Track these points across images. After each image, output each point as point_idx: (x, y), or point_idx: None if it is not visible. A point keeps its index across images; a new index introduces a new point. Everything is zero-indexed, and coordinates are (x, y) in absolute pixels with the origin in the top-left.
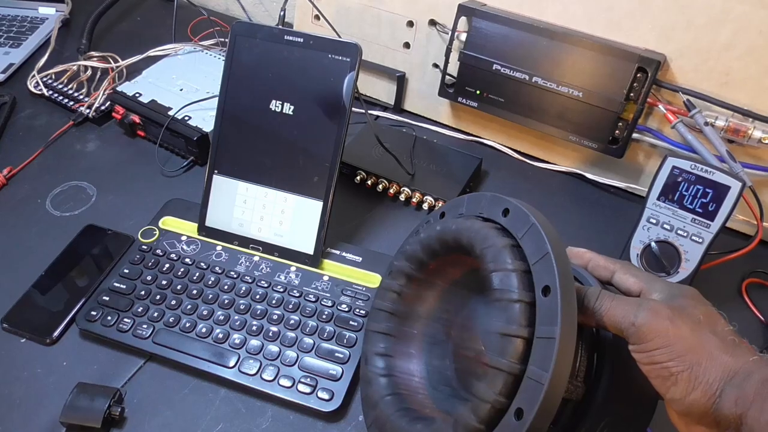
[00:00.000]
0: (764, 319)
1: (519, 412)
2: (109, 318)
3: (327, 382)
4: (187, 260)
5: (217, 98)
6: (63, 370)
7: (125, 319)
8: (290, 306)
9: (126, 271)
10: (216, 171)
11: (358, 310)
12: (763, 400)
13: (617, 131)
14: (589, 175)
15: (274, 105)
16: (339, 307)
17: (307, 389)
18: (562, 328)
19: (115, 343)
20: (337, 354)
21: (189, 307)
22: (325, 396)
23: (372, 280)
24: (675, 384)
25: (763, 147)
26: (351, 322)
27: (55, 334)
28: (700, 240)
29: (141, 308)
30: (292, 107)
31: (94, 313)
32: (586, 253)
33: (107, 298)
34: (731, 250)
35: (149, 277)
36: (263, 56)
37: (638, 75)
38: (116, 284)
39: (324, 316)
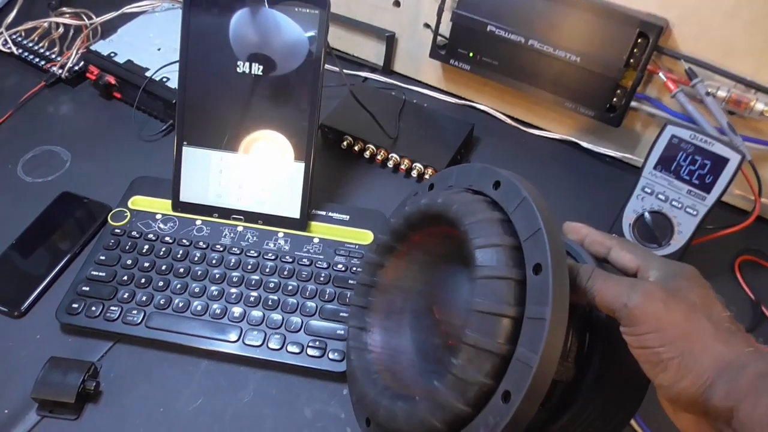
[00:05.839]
0: (755, 297)
1: (506, 395)
2: (93, 308)
3: (336, 343)
4: (167, 239)
5: None
6: (36, 344)
7: (112, 308)
8: (285, 272)
9: (102, 257)
10: (185, 143)
11: (354, 268)
12: (758, 395)
13: (615, 99)
14: (584, 144)
15: (241, 67)
16: (335, 268)
17: (317, 352)
18: (553, 309)
19: (105, 333)
20: (341, 314)
21: (179, 286)
22: (337, 357)
23: (363, 237)
24: (664, 370)
25: (765, 120)
26: (350, 281)
27: (24, 306)
28: (695, 212)
29: (126, 294)
30: (261, 67)
31: (75, 305)
32: (582, 228)
33: (87, 288)
34: (727, 225)
35: (129, 261)
36: (223, 15)
37: (639, 40)
38: (93, 272)
39: (321, 278)
